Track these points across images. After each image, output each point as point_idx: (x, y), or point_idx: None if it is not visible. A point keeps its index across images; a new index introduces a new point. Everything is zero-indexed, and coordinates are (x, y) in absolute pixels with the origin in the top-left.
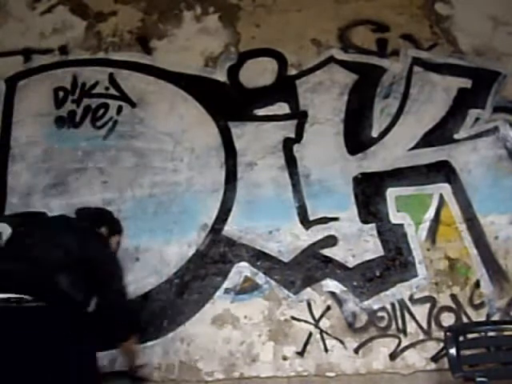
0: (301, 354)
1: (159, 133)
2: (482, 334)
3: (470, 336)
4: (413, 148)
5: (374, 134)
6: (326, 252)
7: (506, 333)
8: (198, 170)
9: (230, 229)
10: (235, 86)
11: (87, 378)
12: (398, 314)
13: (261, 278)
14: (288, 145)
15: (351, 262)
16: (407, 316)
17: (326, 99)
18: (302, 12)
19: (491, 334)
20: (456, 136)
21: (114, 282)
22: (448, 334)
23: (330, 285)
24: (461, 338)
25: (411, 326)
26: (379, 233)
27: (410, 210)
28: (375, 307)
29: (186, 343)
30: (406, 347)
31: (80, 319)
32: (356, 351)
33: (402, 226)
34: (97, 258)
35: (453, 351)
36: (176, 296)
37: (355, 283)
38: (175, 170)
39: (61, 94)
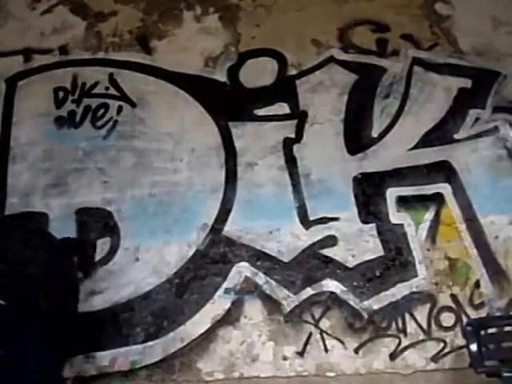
0: (301, 354)
1: (159, 133)
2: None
3: (490, 330)
4: (413, 148)
5: (374, 134)
6: (326, 252)
7: None
8: (198, 169)
9: (230, 229)
10: (235, 86)
11: None
12: (398, 313)
13: (261, 278)
14: (288, 145)
15: (351, 262)
16: (407, 316)
17: (326, 99)
18: (302, 12)
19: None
20: (456, 136)
21: None
22: (468, 328)
23: (330, 285)
24: (482, 333)
25: (411, 326)
26: (379, 233)
27: (409, 210)
28: (375, 307)
29: (185, 343)
30: (406, 347)
31: None
32: (356, 351)
33: (401, 226)
34: None
35: (474, 346)
36: (176, 296)
37: (355, 283)
38: (175, 170)
39: (61, 94)
